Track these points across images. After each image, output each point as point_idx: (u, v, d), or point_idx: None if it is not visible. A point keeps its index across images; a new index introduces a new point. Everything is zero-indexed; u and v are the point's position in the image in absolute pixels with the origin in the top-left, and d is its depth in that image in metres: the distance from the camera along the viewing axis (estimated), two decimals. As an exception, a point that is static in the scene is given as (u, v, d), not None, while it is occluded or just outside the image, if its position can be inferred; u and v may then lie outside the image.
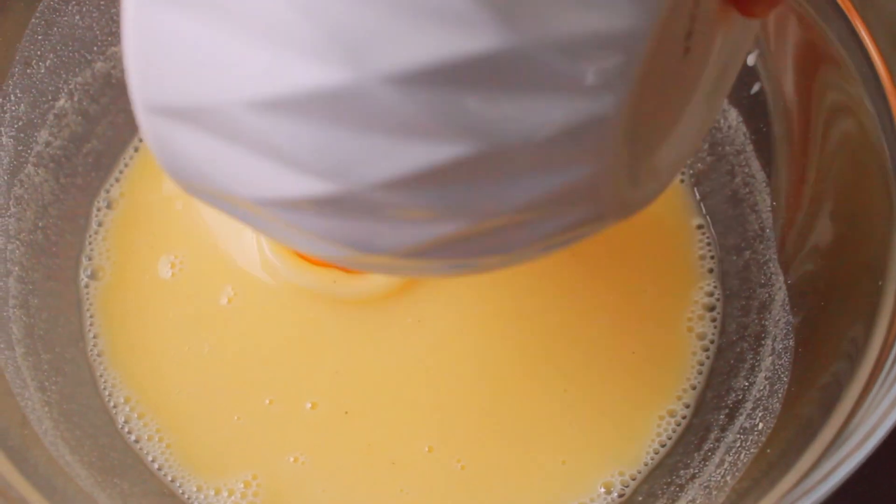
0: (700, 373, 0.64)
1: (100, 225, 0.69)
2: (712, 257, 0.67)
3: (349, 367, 0.64)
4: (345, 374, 0.63)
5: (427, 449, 0.62)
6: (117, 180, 0.70)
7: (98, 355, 0.65)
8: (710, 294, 0.66)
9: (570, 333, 0.65)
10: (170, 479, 0.62)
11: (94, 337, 0.66)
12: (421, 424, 0.62)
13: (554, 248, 0.42)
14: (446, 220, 0.35)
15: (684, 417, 0.63)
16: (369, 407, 0.63)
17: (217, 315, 0.66)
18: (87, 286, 0.67)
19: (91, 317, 0.66)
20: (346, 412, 0.62)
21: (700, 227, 0.68)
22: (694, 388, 0.64)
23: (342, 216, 0.36)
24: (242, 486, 0.61)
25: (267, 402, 0.63)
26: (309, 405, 0.63)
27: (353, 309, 0.65)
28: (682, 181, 0.70)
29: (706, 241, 0.68)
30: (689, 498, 0.58)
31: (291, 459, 0.61)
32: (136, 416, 0.63)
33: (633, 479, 0.61)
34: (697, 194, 0.69)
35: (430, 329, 0.65)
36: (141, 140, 0.71)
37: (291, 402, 0.63)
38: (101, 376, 0.64)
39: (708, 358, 0.65)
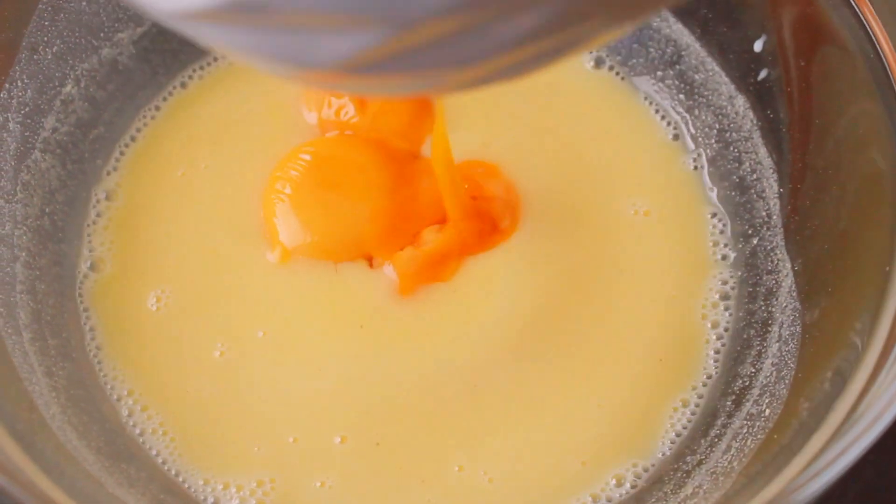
0: (717, 361, 0.64)
1: (98, 216, 0.68)
2: (725, 245, 0.67)
3: (381, 398, 0.63)
4: (376, 406, 0.62)
5: (458, 469, 0.61)
6: (115, 168, 0.70)
7: (97, 348, 0.65)
8: (725, 283, 0.66)
9: (596, 339, 0.65)
10: (174, 472, 0.61)
11: (91, 329, 0.65)
12: (452, 446, 0.62)
13: (544, 58, 0.37)
14: (369, 26, 0.33)
15: (698, 406, 0.63)
16: (401, 436, 0.62)
17: (209, 357, 0.64)
18: (82, 281, 0.66)
19: (86, 310, 0.66)
20: (378, 443, 0.61)
21: (714, 215, 0.68)
22: (710, 377, 0.64)
23: (255, 27, 0.34)
24: (256, 484, 0.61)
25: (291, 440, 0.62)
26: (338, 440, 0.62)
27: (383, 338, 0.64)
28: (694, 168, 0.70)
29: (720, 228, 0.68)
30: (696, 484, 0.57)
31: (318, 484, 0.61)
32: (139, 408, 0.63)
33: (646, 471, 0.61)
34: (708, 182, 0.69)
35: (459, 349, 0.64)
36: (138, 130, 0.71)
37: (319, 438, 0.62)
38: (100, 369, 0.64)
39: (723, 345, 0.65)
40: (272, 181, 0.67)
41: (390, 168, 0.67)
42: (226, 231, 0.67)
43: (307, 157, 0.67)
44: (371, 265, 0.66)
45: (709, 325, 0.65)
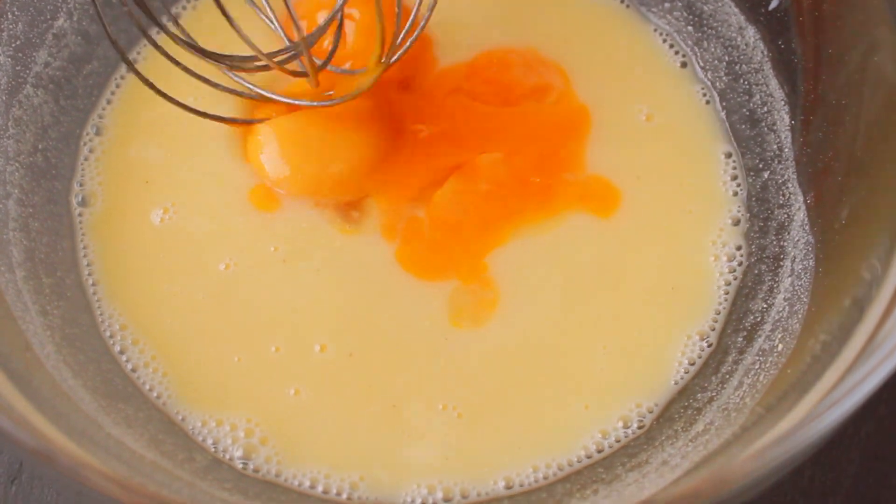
0: (727, 294, 0.63)
1: (91, 151, 0.67)
2: (736, 179, 0.66)
3: (361, 312, 0.63)
4: (356, 319, 0.63)
5: (441, 407, 0.60)
6: (109, 102, 0.69)
7: (94, 284, 0.64)
8: (736, 217, 0.65)
9: (604, 273, 0.64)
10: (168, 406, 0.61)
11: (89, 265, 0.65)
12: (426, 376, 0.61)
13: None
14: None
15: (709, 343, 0.62)
16: (373, 351, 0.62)
17: (214, 270, 0.64)
18: (80, 214, 0.66)
19: (84, 247, 0.65)
20: (351, 354, 0.61)
21: (728, 154, 0.67)
22: (719, 312, 0.63)
23: None
24: (245, 421, 0.60)
25: (273, 349, 0.62)
26: (318, 347, 0.62)
27: (373, 257, 0.64)
28: (706, 102, 0.68)
29: (731, 162, 0.67)
30: (708, 421, 0.57)
31: (292, 392, 0.61)
32: (130, 341, 0.62)
33: (651, 412, 0.61)
34: (718, 115, 0.68)
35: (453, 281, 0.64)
36: (134, 62, 0.69)
37: (301, 344, 0.62)
38: (97, 305, 0.64)
39: (735, 278, 0.64)
40: (253, 131, 0.66)
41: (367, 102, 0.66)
42: (224, 155, 0.67)
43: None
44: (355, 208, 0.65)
45: (724, 259, 0.64)
